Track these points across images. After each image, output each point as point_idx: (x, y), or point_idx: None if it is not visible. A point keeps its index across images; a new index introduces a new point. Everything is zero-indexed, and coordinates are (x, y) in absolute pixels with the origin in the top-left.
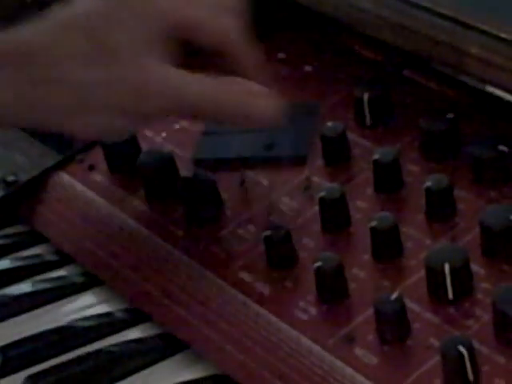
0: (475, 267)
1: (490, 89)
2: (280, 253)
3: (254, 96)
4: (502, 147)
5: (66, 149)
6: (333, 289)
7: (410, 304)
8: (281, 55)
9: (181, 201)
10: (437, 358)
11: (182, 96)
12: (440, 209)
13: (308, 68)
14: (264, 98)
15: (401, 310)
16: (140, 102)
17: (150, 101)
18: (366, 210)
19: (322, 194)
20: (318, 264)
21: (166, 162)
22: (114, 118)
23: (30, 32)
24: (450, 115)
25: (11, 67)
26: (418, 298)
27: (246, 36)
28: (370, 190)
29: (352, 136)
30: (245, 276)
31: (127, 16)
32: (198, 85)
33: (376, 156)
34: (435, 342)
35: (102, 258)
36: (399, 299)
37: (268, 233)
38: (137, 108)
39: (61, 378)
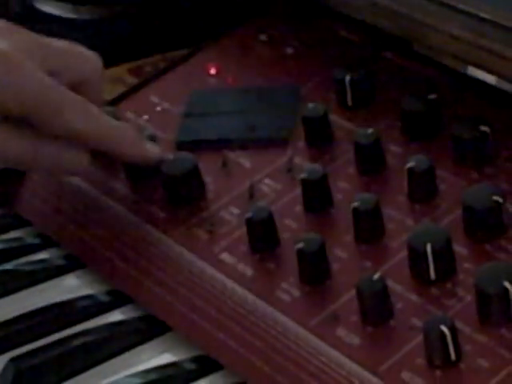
0: (458, 248)
1: (472, 70)
2: (262, 234)
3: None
4: (483, 127)
5: None
6: (315, 270)
7: (393, 285)
8: (262, 37)
9: (162, 182)
10: (419, 339)
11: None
12: (422, 189)
13: (289, 50)
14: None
15: (383, 290)
16: None
17: None
18: (348, 191)
19: (304, 175)
20: (300, 245)
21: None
22: None
23: None
24: (432, 96)
25: None
26: (401, 278)
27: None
28: (352, 171)
29: (334, 117)
30: (227, 258)
31: None
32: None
33: (357, 137)
34: (418, 323)
35: (84, 240)
36: (381, 280)
37: (250, 214)
38: None
39: (43, 361)
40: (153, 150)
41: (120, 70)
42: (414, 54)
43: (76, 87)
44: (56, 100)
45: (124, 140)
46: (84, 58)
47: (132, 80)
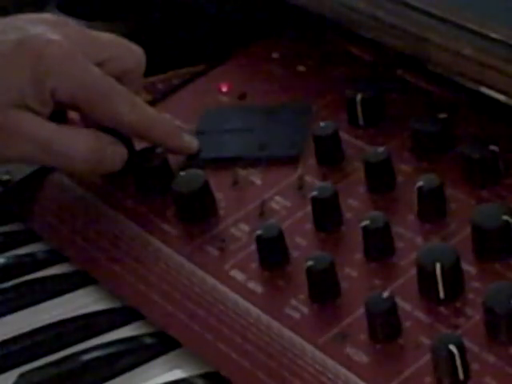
0: (467, 267)
1: (482, 89)
2: (272, 252)
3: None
4: (493, 147)
5: None
6: (324, 288)
7: (402, 303)
8: (275, 55)
9: (173, 199)
10: (427, 357)
11: (48, 152)
12: (431, 208)
13: (301, 68)
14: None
15: (392, 308)
16: (4, 148)
17: (14, 149)
18: (358, 210)
19: (315, 193)
20: (310, 263)
21: (160, 162)
22: None
23: None
24: (442, 115)
25: None
26: (410, 297)
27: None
28: (362, 190)
29: (345, 136)
30: (237, 275)
31: (15, 73)
32: (68, 142)
33: (367, 156)
34: (426, 341)
35: (95, 256)
36: (390, 298)
37: (260, 232)
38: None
39: (53, 376)
40: (192, 141)
41: None
42: (427, 72)
43: (119, 78)
44: (105, 89)
45: (167, 130)
46: (128, 50)
47: (145, 97)
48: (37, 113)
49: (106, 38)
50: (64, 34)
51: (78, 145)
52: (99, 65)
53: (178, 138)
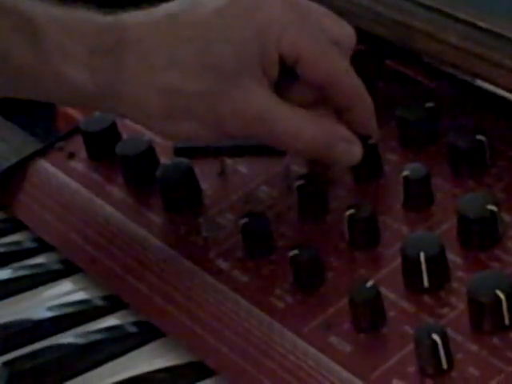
0: (452, 256)
1: (470, 79)
2: (257, 241)
3: (349, 143)
4: (479, 137)
5: (47, 136)
6: (309, 277)
7: (386, 292)
8: None
9: (159, 188)
10: (411, 347)
11: (274, 130)
12: (417, 198)
13: None
14: (354, 144)
15: (376, 298)
16: (236, 121)
17: (244, 123)
18: (343, 199)
19: (300, 182)
20: (294, 252)
21: (145, 150)
22: (202, 128)
23: (133, 21)
24: (429, 104)
25: (105, 52)
26: (394, 286)
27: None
28: (348, 179)
29: None
30: (222, 264)
31: (237, 30)
32: (295, 125)
33: None
34: (410, 331)
35: (81, 245)
36: (374, 287)
37: (245, 221)
38: (228, 127)
39: (38, 365)
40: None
41: None
42: (415, 62)
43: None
44: (325, 41)
45: (369, 110)
46: (340, 23)
47: None
48: (261, 80)
49: (319, 8)
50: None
51: (307, 129)
52: None
53: (374, 122)
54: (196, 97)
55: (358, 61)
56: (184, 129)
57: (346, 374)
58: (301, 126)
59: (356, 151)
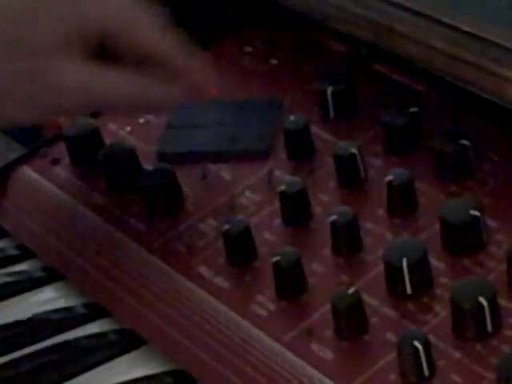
0: (435, 262)
1: (454, 82)
2: (239, 248)
3: (163, 85)
4: (463, 141)
5: (31, 142)
6: (291, 284)
7: (369, 299)
8: (247, 49)
9: (141, 194)
10: (394, 354)
11: (91, 93)
12: (401, 203)
13: (274, 61)
14: (169, 86)
15: (358, 305)
16: (52, 96)
17: (61, 96)
18: (327, 204)
19: (283, 187)
20: (276, 258)
21: (128, 156)
22: (17, 108)
23: None
24: (413, 109)
25: None
26: (377, 293)
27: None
28: (332, 184)
29: (315, 130)
30: (204, 271)
31: (51, 11)
32: (106, 82)
33: (337, 149)
34: (392, 338)
35: (63, 252)
36: (356, 294)
37: (227, 227)
38: (48, 101)
39: (19, 373)
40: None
41: None
42: (400, 65)
43: None
44: (139, 11)
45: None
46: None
47: None
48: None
49: None
50: None
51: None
52: None
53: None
54: (3, 75)
55: (344, 64)
56: (4, 109)
57: (328, 381)
58: (115, 87)
59: (173, 90)
